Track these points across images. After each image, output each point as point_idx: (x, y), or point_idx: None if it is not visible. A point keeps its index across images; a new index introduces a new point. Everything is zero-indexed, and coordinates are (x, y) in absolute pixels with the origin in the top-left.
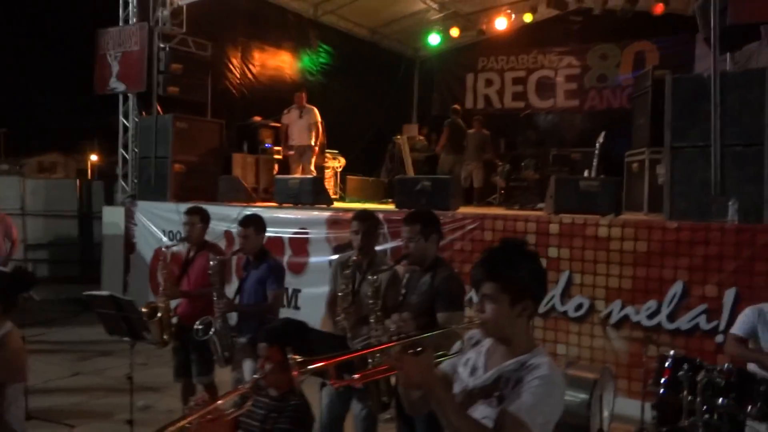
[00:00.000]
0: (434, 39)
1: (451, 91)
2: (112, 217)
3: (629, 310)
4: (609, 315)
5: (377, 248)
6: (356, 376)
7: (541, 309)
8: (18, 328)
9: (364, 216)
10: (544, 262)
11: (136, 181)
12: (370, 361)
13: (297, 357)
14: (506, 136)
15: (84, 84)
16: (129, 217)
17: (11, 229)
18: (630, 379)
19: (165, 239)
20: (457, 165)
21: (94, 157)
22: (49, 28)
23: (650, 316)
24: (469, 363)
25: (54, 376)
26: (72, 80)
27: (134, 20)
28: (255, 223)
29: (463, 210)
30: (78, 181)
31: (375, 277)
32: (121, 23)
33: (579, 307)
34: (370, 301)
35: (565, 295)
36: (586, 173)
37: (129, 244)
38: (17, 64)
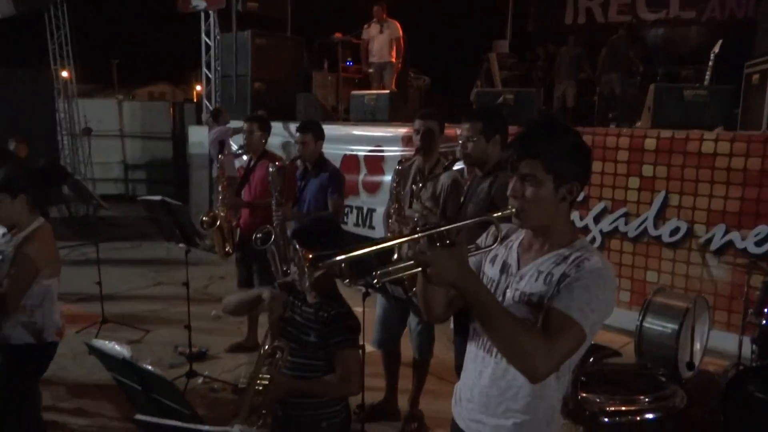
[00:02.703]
0: None
1: (550, 5)
2: (198, 136)
3: (734, 235)
4: (710, 240)
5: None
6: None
7: (632, 232)
8: (113, 241)
9: (425, 114)
10: (637, 181)
11: (219, 100)
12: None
13: (308, 253)
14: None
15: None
16: None
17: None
18: (729, 311)
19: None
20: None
21: (199, 88)
22: None
23: (759, 243)
24: (498, 260)
25: (137, 285)
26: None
27: None
28: (313, 129)
29: None
30: (171, 103)
31: (433, 182)
32: None
33: (675, 231)
34: (428, 207)
35: (660, 217)
36: None
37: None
38: None
